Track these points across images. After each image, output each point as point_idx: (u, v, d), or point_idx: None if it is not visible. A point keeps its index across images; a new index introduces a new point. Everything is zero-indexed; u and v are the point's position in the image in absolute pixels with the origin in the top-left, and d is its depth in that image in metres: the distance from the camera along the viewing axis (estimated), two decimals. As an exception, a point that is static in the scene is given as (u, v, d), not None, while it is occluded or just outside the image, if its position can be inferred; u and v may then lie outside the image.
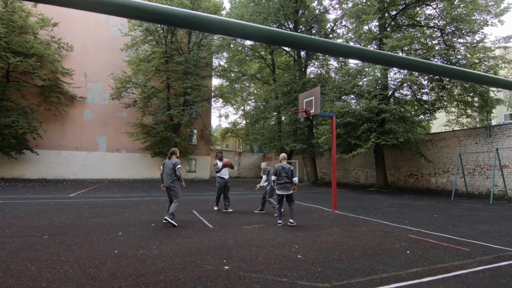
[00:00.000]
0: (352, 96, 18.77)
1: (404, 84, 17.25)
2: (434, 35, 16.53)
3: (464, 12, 14.73)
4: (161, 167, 6.94)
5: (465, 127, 17.88)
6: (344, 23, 22.22)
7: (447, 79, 16.01)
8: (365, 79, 17.14)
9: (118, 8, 1.05)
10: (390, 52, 1.18)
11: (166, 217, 6.48)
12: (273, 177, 6.89)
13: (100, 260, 4.11)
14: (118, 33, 24.22)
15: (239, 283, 3.42)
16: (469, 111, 17.04)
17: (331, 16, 41.01)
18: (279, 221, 6.83)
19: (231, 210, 8.77)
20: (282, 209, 7.14)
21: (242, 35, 1.12)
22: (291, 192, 6.75)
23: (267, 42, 1.11)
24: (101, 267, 3.84)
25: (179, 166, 6.80)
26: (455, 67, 1.25)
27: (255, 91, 35.91)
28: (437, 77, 16.19)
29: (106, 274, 3.59)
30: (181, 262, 4.10)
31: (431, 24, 17.09)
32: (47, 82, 21.18)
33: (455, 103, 17.16)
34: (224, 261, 4.17)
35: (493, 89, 15.78)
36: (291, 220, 6.73)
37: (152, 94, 23.26)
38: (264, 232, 6.01)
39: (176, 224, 6.42)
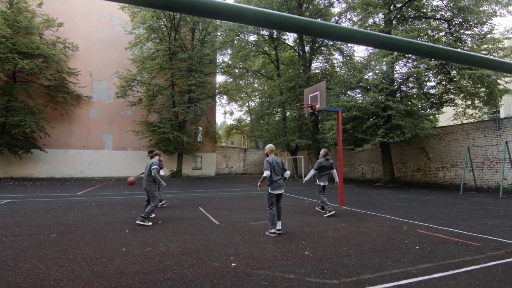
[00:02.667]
0: (358, 90, 18.57)
1: (410, 78, 17.00)
2: (440, 27, 16.21)
3: (472, 2, 14.42)
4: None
5: (473, 120, 17.59)
6: (349, 16, 21.95)
7: (455, 71, 15.75)
8: (370, 73, 16.93)
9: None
10: (403, 38, 1.12)
11: (137, 221, 6.24)
12: (266, 172, 5.54)
13: (108, 257, 4.12)
14: (122, 32, 24.28)
15: (247, 280, 3.39)
16: (476, 102, 16.74)
17: (336, 9, 40.61)
18: (272, 231, 5.49)
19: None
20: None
21: (247, 20, 1.06)
22: (283, 190, 5.71)
23: (272, 27, 1.05)
24: (108, 264, 3.85)
25: (154, 166, 6.47)
26: (473, 53, 1.18)
27: (260, 87, 35.79)
28: (445, 68, 15.92)
29: (113, 272, 3.60)
30: (188, 259, 4.09)
31: (438, 16, 16.76)
32: (53, 82, 21.35)
33: (462, 94, 16.88)
34: (231, 258, 4.15)
35: (502, 81, 15.46)
36: (279, 228, 5.58)
37: (156, 92, 23.32)
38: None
39: (149, 223, 6.23)
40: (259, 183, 5.67)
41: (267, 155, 5.82)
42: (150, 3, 0.94)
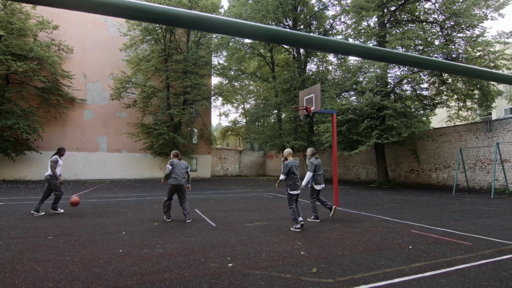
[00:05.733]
0: (352, 92, 18.76)
1: (404, 81, 17.23)
2: (433, 30, 16.48)
3: (463, 6, 14.69)
4: (168, 166, 6.88)
5: (466, 122, 17.88)
6: (343, 19, 22.19)
7: (447, 74, 16.00)
8: (365, 76, 17.12)
9: (117, 9, 1.06)
10: (389, 49, 1.20)
11: (187, 220, 6.86)
12: (282, 176, 6.05)
13: (105, 259, 4.14)
14: (116, 33, 24.21)
15: (243, 280, 3.45)
16: (469, 103, 17.02)
17: (330, 12, 40.97)
18: (297, 226, 5.95)
19: (42, 213, 7.75)
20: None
21: (241, 34, 1.14)
22: (300, 191, 6.24)
23: (267, 40, 1.13)
24: (106, 266, 3.87)
25: (189, 168, 7.33)
26: (459, 63, 1.27)
27: (255, 89, 35.93)
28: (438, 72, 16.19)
29: (111, 273, 3.63)
30: (185, 260, 4.13)
31: (430, 19, 17.04)
32: (47, 84, 21.14)
33: (455, 96, 17.14)
34: (228, 258, 4.21)
35: (495, 83, 15.77)
36: (301, 220, 6.01)
37: (152, 93, 23.26)
38: (267, 230, 6.04)
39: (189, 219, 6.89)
40: (276, 184, 6.44)
41: (286, 159, 6.22)
42: (152, 19, 1.01)
